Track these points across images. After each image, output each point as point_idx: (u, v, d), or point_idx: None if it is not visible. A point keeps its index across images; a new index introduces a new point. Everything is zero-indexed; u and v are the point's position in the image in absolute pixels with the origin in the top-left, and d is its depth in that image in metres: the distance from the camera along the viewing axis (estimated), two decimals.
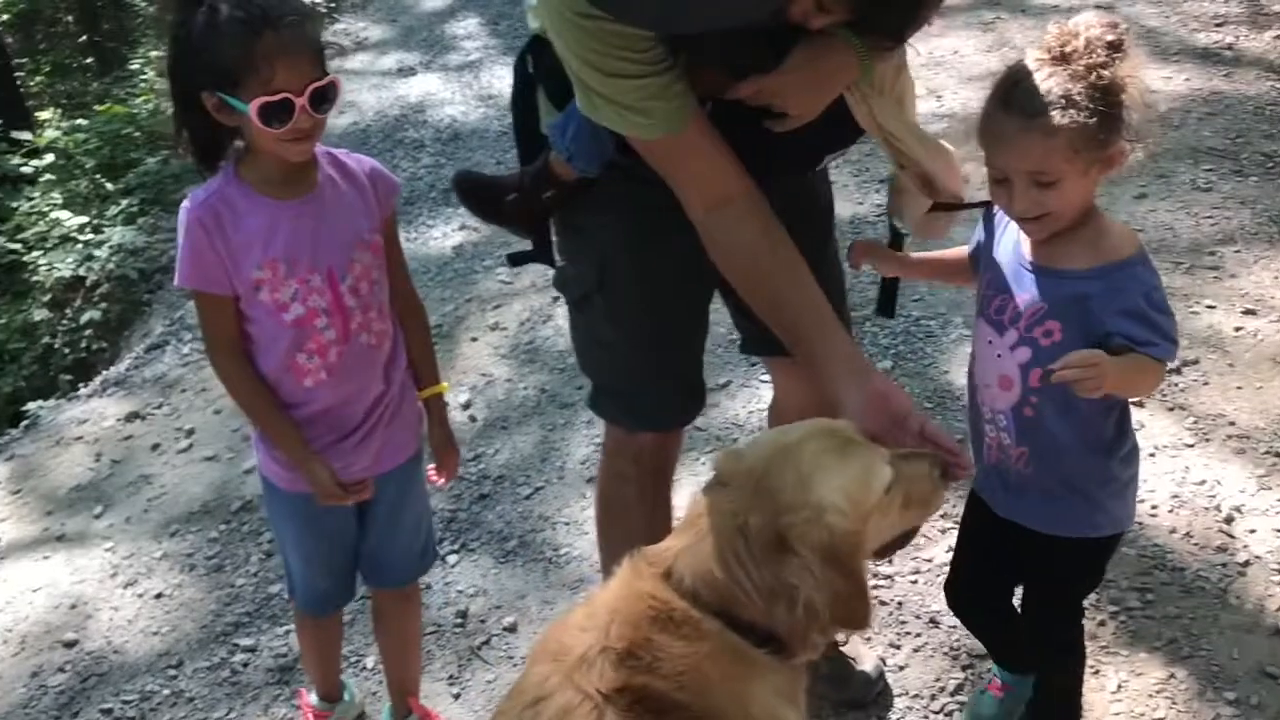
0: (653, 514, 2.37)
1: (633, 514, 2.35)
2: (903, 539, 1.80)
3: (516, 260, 2.31)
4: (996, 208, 2.05)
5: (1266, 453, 3.06)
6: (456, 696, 2.72)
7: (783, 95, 1.85)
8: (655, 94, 1.78)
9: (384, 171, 2.17)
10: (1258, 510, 2.90)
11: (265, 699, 2.77)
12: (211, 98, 1.91)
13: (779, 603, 1.56)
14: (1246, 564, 2.75)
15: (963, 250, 2.20)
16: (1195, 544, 2.83)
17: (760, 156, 1.91)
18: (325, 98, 1.94)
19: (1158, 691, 2.47)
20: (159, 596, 3.15)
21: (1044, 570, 2.13)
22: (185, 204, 2.02)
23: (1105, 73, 1.78)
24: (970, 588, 2.32)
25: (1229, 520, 2.87)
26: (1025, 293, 1.95)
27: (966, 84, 5.19)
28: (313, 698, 2.60)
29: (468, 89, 6.05)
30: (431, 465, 2.34)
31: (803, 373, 2.26)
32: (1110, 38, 1.79)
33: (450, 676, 2.77)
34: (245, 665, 2.88)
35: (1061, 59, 1.79)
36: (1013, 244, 2.01)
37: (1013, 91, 1.82)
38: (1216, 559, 2.77)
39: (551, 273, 2.28)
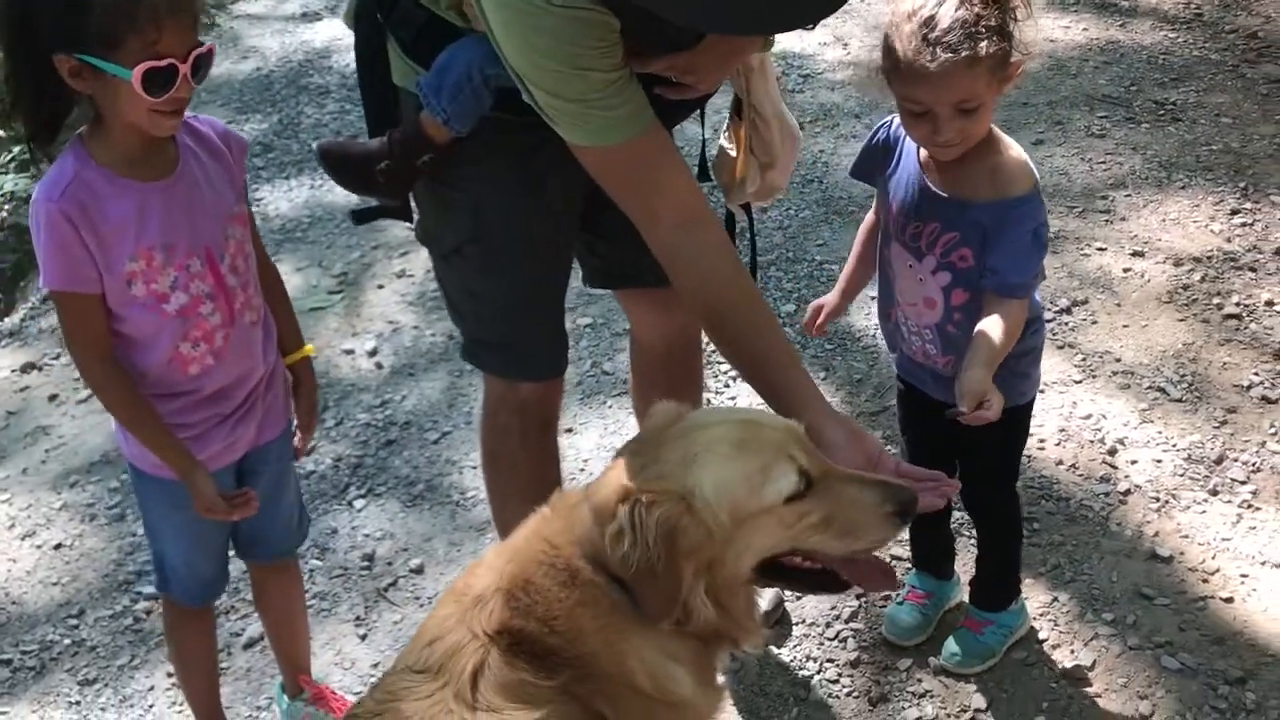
0: (542, 467, 2.36)
1: (521, 468, 2.34)
2: (826, 580, 1.73)
3: (362, 218, 2.23)
4: (888, 133, 2.16)
5: (1149, 388, 3.18)
6: (363, 637, 2.74)
7: (694, 71, 1.86)
8: (621, 89, 1.73)
9: (234, 132, 2.04)
10: (1139, 442, 3.02)
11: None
12: (70, 61, 1.70)
13: (617, 553, 1.56)
14: (1127, 493, 2.88)
15: (868, 220, 2.29)
16: (1080, 475, 2.94)
17: None
18: (203, 65, 1.77)
19: (1041, 614, 2.58)
20: (58, 547, 3.10)
21: (981, 440, 2.18)
22: (39, 195, 1.80)
23: None
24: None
25: (1112, 452, 2.99)
26: (936, 220, 2.06)
27: (872, 32, 5.23)
28: None
29: None
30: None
31: (657, 302, 2.30)
32: None
33: (357, 618, 2.78)
34: (148, 613, 2.86)
35: None
36: (914, 169, 2.09)
37: (931, 28, 1.86)
38: (1099, 489, 2.89)
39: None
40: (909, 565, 2.63)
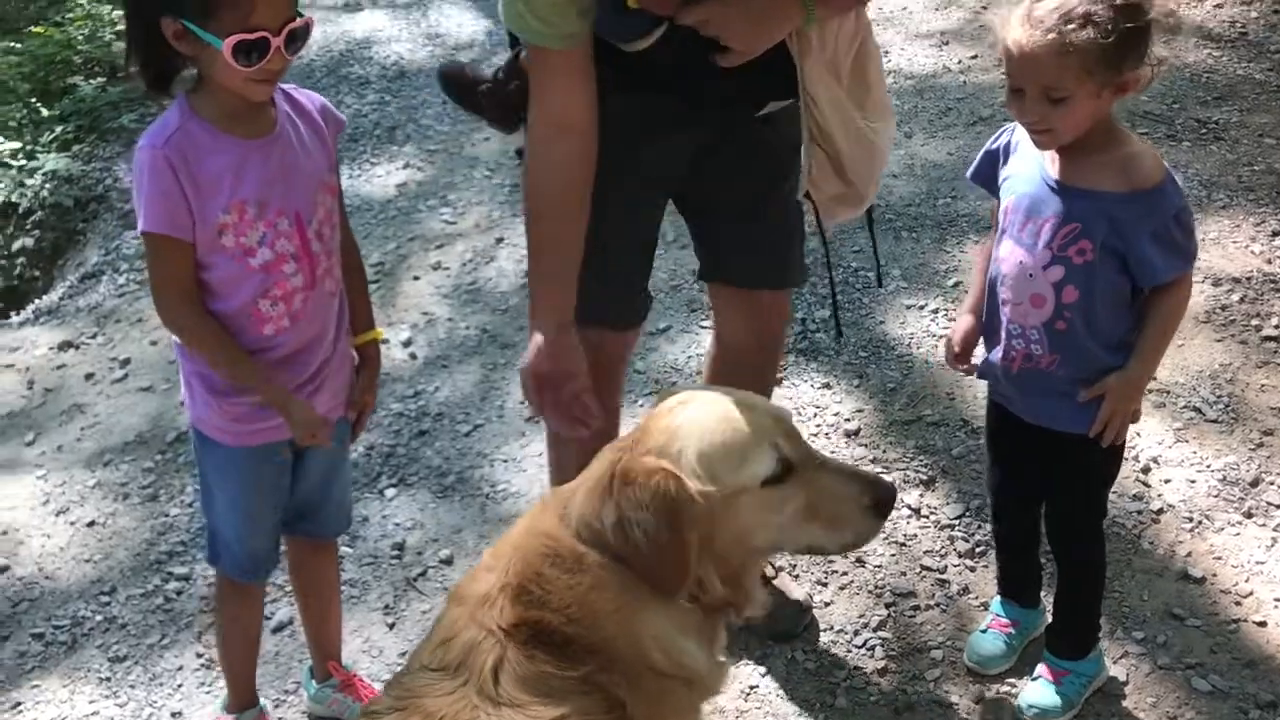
0: (603, 425, 2.39)
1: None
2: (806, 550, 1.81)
3: (463, 101, 2.44)
4: (1010, 137, 2.15)
5: (1184, 407, 3.17)
6: (391, 626, 2.75)
7: (722, 27, 1.92)
8: (562, 12, 1.90)
9: (332, 108, 2.13)
10: (1173, 461, 3.00)
11: (198, 626, 2.78)
12: (174, 24, 1.82)
13: (620, 534, 1.61)
14: (1160, 512, 2.86)
15: (988, 247, 2.24)
16: (1114, 492, 2.87)
17: (696, 85, 2.03)
18: (298, 38, 1.87)
19: None
20: (91, 524, 3.13)
21: (1072, 466, 2.21)
22: (144, 143, 1.90)
23: None
24: (1005, 493, 2.41)
25: (1146, 470, 2.98)
26: (1056, 213, 2.03)
27: (913, 41, 5.23)
28: None
29: (415, 27, 5.97)
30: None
31: (740, 302, 2.40)
32: None
33: (386, 606, 2.80)
34: (179, 594, 2.89)
35: None
36: (1035, 164, 2.08)
37: (1035, 3, 1.88)
38: (1133, 506, 2.88)
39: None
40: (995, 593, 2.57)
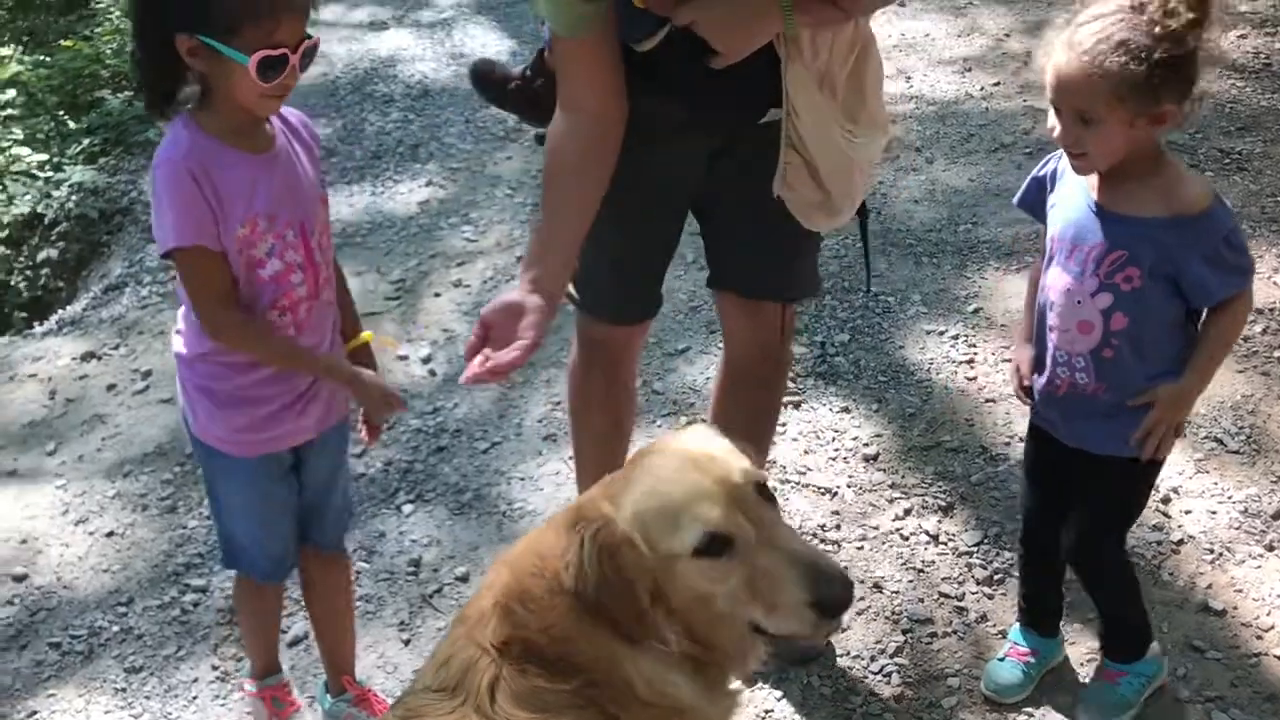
0: (607, 405, 2.56)
1: (593, 408, 2.54)
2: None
3: (497, 99, 2.64)
4: (1056, 164, 2.17)
5: (1206, 438, 3.15)
6: (407, 642, 2.75)
7: (707, 29, 1.95)
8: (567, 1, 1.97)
9: (310, 123, 2.15)
10: (1194, 492, 2.98)
11: (214, 639, 2.79)
12: (190, 41, 1.83)
13: (568, 575, 1.61)
14: (1180, 543, 2.84)
15: (1038, 264, 2.25)
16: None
17: (696, 89, 2.06)
18: (308, 55, 1.91)
19: (1089, 660, 2.55)
20: (110, 535, 3.14)
21: (1103, 492, 2.23)
22: (161, 158, 1.91)
23: (1171, 23, 1.84)
24: (1037, 522, 2.40)
25: (1166, 500, 2.96)
26: (1101, 240, 2.05)
27: (936, 67, 5.24)
28: (251, 685, 2.52)
29: (439, 46, 6.01)
30: (362, 423, 2.26)
31: (745, 311, 2.43)
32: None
33: (401, 623, 2.80)
34: (195, 605, 2.89)
35: (1139, 8, 1.87)
36: (1080, 191, 2.09)
37: (1078, 28, 1.91)
38: (1152, 537, 2.86)
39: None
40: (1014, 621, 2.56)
